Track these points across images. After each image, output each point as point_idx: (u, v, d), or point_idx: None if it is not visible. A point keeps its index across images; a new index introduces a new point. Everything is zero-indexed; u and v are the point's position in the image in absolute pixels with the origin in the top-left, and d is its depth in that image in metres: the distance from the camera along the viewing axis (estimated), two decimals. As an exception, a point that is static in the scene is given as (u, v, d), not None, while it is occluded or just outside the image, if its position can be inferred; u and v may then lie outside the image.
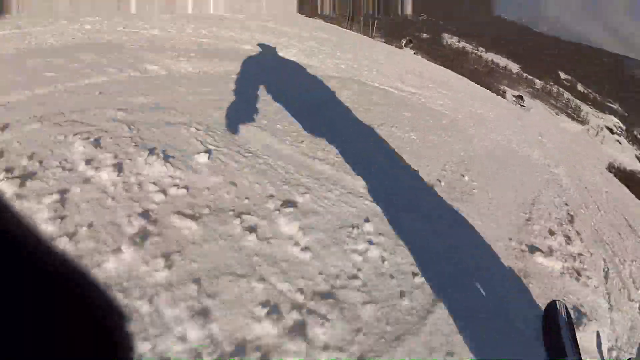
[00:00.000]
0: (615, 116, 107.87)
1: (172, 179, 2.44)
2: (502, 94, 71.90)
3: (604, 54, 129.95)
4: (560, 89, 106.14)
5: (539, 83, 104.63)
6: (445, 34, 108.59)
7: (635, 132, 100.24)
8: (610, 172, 35.63)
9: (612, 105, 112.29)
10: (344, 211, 2.68)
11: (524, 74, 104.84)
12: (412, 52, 20.21)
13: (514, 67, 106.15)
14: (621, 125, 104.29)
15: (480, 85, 17.80)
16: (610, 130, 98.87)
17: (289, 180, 2.81)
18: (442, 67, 17.06)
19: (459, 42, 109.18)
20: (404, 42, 22.19)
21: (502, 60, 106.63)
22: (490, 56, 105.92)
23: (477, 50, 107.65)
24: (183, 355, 1.49)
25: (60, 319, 0.24)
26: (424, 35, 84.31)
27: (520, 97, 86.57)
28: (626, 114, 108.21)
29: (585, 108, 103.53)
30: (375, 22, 25.37)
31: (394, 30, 36.91)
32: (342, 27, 17.64)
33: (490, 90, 20.32)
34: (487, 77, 74.44)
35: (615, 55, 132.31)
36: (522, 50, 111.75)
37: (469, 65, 72.06)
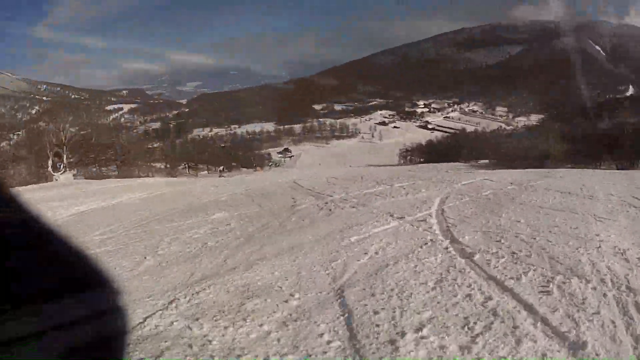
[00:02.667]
0: (381, 110, 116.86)
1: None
2: (267, 155, 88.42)
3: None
4: (320, 120, 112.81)
5: (297, 127, 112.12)
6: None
7: (404, 107, 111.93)
8: (404, 157, 55.45)
9: (374, 102, 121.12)
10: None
11: (280, 127, 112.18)
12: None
13: (269, 127, 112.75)
14: (390, 112, 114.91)
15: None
16: (383, 123, 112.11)
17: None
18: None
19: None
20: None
21: (257, 127, 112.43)
22: (243, 128, 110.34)
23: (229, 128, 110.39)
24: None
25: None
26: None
27: (286, 150, 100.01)
28: (390, 101, 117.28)
29: (351, 121, 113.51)
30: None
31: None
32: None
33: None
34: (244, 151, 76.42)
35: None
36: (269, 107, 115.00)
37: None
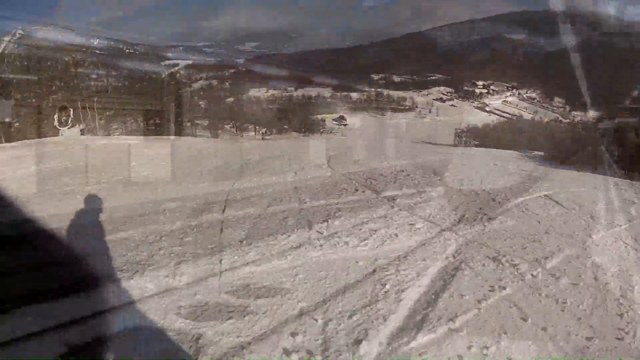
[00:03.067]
0: (439, 86, 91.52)
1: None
2: (322, 122, 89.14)
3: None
4: (378, 89, 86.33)
5: (354, 95, 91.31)
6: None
7: (463, 86, 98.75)
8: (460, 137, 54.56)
9: (433, 77, 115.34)
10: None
11: (337, 94, 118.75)
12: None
13: (326, 92, 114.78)
14: (448, 90, 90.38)
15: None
16: (441, 100, 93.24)
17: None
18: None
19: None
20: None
21: (313, 91, 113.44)
22: (299, 92, 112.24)
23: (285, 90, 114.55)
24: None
25: None
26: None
27: (341, 117, 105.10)
28: (449, 78, 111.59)
29: (408, 94, 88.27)
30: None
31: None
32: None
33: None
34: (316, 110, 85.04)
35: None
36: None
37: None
